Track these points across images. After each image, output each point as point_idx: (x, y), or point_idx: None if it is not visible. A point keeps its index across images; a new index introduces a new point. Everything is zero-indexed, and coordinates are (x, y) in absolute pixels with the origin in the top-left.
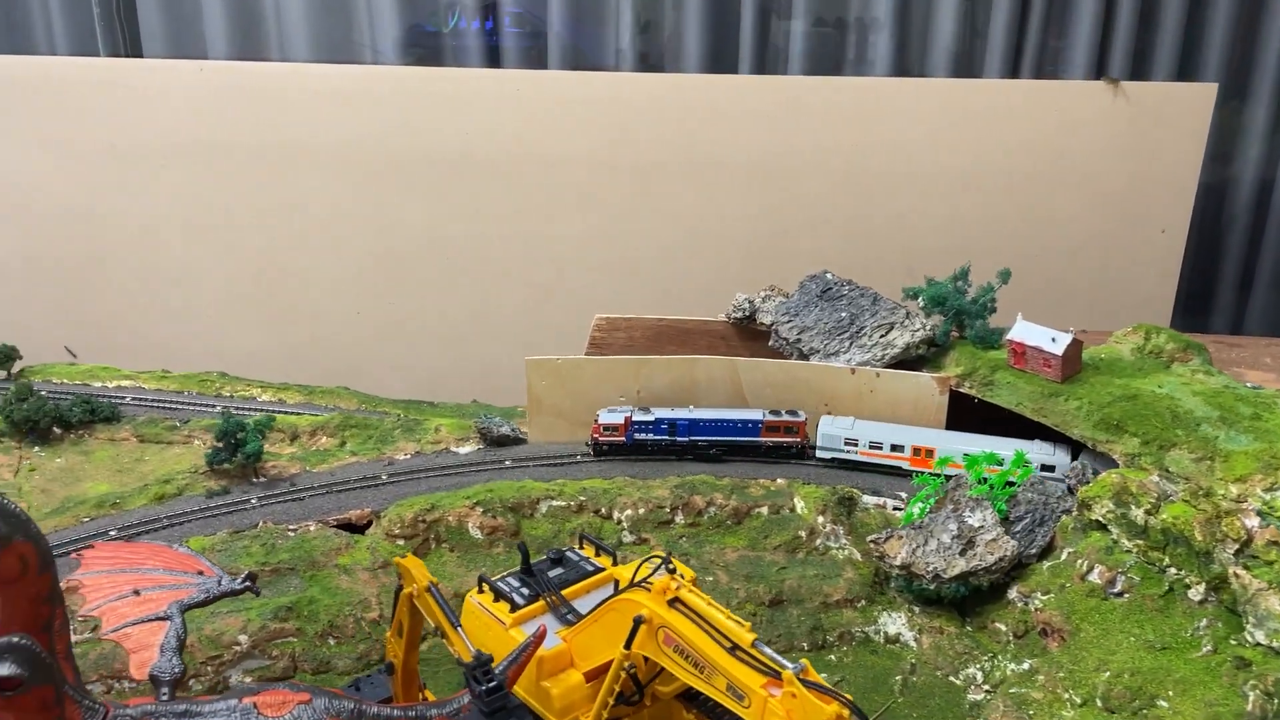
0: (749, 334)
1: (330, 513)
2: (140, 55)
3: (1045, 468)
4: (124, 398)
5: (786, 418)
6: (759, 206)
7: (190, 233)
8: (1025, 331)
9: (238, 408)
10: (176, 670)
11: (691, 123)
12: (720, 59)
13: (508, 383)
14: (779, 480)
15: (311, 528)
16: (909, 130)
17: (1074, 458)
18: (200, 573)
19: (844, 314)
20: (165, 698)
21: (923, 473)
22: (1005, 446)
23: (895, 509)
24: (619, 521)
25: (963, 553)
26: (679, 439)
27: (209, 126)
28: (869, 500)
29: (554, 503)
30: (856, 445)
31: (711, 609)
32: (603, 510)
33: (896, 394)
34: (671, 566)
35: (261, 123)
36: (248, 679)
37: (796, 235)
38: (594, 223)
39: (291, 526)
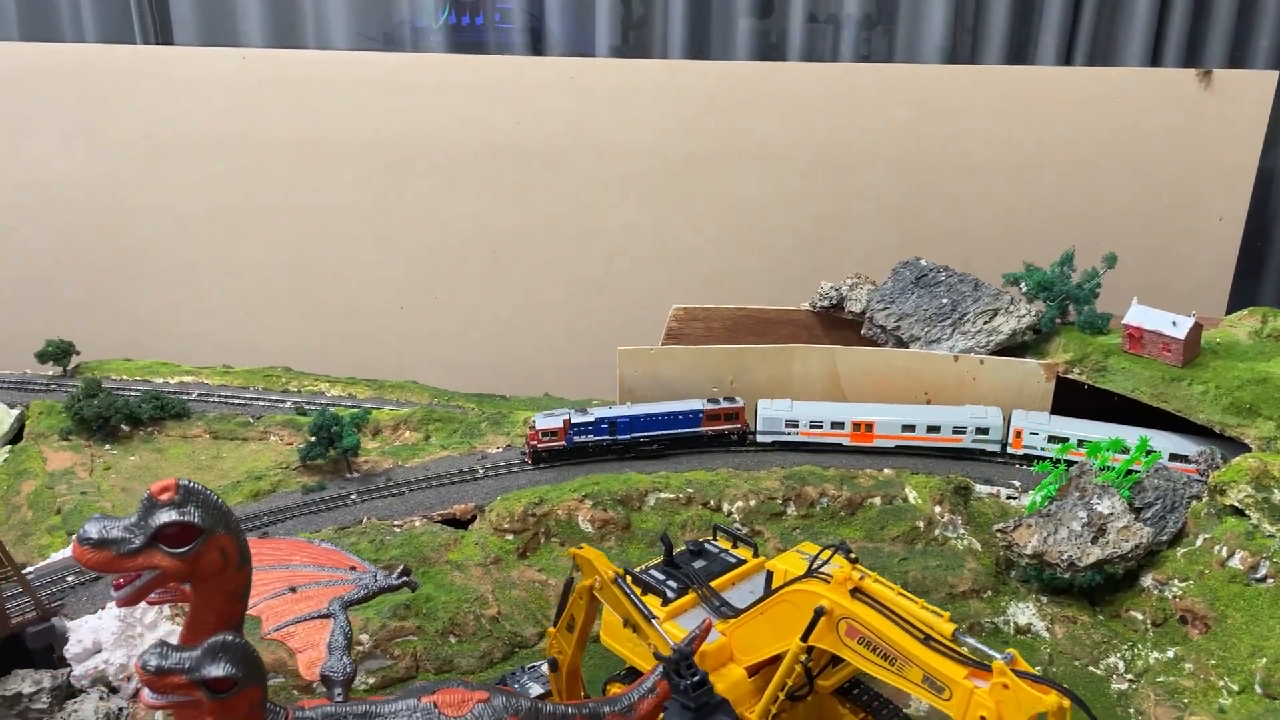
0: (833, 323)
1: (433, 508)
2: (171, 43)
3: (980, 430)
4: (189, 394)
5: (725, 405)
6: (813, 195)
7: (229, 226)
8: (1142, 315)
9: (308, 403)
10: (348, 669)
11: (743, 110)
12: (768, 46)
13: (563, 375)
14: (885, 470)
15: (417, 523)
16: (964, 117)
17: (1006, 419)
18: (352, 568)
19: (944, 300)
20: (339, 697)
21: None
22: (948, 416)
23: (1009, 498)
24: (729, 514)
25: (1094, 540)
26: (620, 437)
27: (251, 117)
28: (982, 489)
29: (661, 495)
30: (797, 426)
31: (902, 599)
32: (711, 502)
33: (1000, 381)
34: (853, 555)
35: (305, 112)
36: (370, 680)
37: (851, 224)
38: (645, 213)
39: (397, 522)
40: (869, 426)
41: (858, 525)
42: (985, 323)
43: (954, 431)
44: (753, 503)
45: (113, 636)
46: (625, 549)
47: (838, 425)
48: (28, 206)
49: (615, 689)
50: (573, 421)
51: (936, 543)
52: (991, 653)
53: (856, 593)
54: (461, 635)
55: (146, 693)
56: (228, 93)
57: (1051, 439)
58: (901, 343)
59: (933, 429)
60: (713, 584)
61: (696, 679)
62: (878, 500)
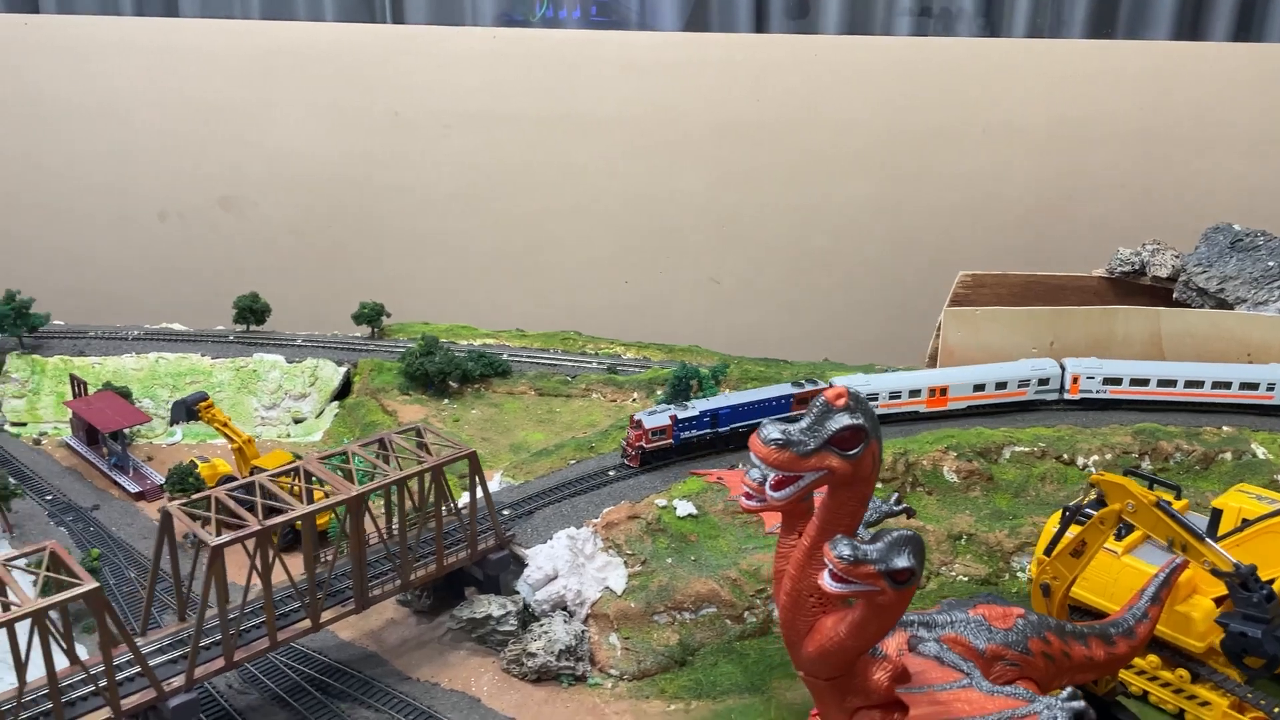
0: (1126, 288)
1: None
2: (403, 22)
3: (1042, 381)
4: (500, 353)
5: (810, 388)
6: (1045, 169)
7: (468, 199)
8: None
9: (617, 363)
10: None
11: (972, 87)
12: (990, 20)
13: (793, 342)
14: (1225, 428)
15: None
16: (1191, 93)
17: (1062, 368)
18: None
19: (1271, 263)
20: None
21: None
22: (1012, 371)
23: None
24: (1085, 467)
25: None
26: (721, 429)
27: (496, 94)
28: None
29: (1016, 449)
30: (877, 399)
31: None
32: (1064, 456)
33: None
34: None
35: (547, 90)
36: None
37: (1083, 199)
38: (873, 188)
39: None
40: (943, 391)
41: (1214, 479)
42: None
43: (1019, 385)
44: (1108, 457)
45: (566, 565)
46: (991, 499)
47: (915, 393)
48: (289, 180)
49: None
50: (679, 417)
51: None
52: None
53: None
54: None
55: (827, 580)
56: (472, 70)
57: (1106, 380)
58: (1224, 305)
59: (1000, 385)
60: None
61: (1266, 592)
62: (1228, 455)
